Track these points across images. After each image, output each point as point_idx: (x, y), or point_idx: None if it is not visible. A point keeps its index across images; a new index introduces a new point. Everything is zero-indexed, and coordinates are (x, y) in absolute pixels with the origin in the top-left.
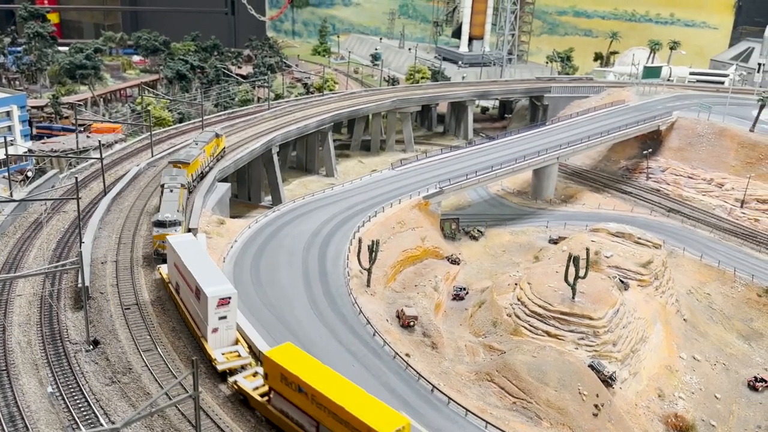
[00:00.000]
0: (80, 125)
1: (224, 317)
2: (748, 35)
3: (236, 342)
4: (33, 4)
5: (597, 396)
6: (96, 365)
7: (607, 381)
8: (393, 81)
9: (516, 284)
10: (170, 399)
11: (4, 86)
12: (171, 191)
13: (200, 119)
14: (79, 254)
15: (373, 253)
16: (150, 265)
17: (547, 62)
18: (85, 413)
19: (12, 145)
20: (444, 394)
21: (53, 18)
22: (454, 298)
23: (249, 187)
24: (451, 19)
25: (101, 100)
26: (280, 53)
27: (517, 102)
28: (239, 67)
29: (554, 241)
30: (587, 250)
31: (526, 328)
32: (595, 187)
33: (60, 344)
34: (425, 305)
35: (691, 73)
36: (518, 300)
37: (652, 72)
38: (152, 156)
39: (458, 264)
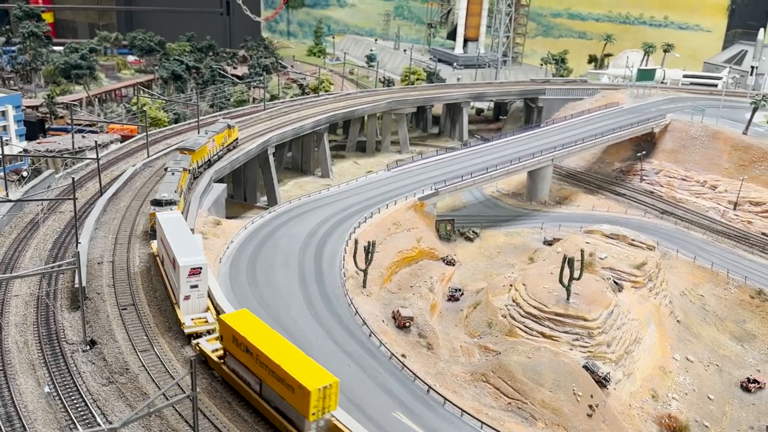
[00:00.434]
0: (97, 124)
1: (195, 286)
2: (741, 38)
3: (206, 310)
4: (28, 4)
5: (591, 397)
6: (93, 365)
7: (602, 382)
8: (388, 82)
9: (511, 285)
10: (167, 399)
11: None
12: (172, 174)
13: (196, 120)
14: (75, 254)
15: (369, 254)
16: (147, 265)
17: (541, 64)
18: (82, 413)
19: (7, 144)
20: (440, 394)
21: (48, 17)
22: (449, 299)
23: (245, 188)
24: (446, 21)
25: (96, 100)
26: (276, 54)
27: (511, 104)
28: (235, 68)
29: (549, 243)
30: (582, 251)
31: (521, 329)
32: (589, 188)
33: (57, 344)
34: (421, 306)
35: (685, 76)
36: (513, 301)
37: (645, 74)
38: (148, 156)
39: (453, 265)
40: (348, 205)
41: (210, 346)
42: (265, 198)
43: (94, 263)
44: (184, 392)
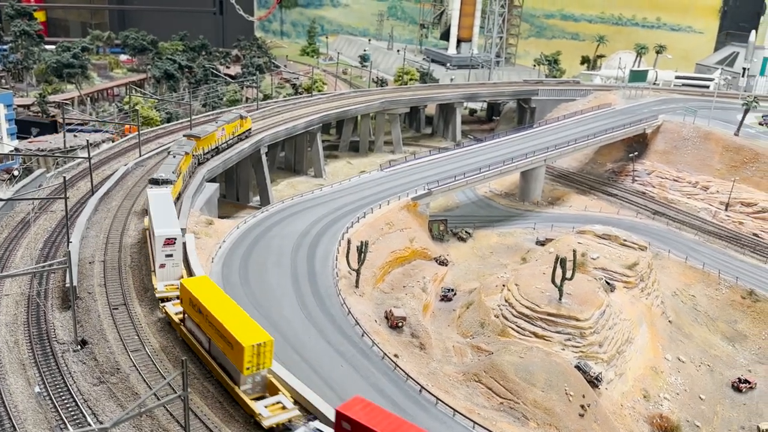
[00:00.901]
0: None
1: (170, 255)
2: (733, 40)
3: (180, 278)
4: (19, 2)
5: (583, 396)
6: (84, 365)
7: (593, 382)
8: (381, 82)
9: (503, 285)
10: (159, 399)
11: None
12: (174, 156)
13: (188, 119)
14: (66, 254)
15: (362, 254)
16: (138, 265)
17: (534, 65)
18: (73, 413)
19: None
20: (432, 394)
21: (40, 16)
22: (442, 299)
23: (237, 188)
24: (439, 22)
25: (88, 99)
26: (269, 53)
27: (504, 104)
28: (227, 67)
29: (541, 243)
30: (574, 251)
31: (513, 329)
32: (581, 189)
33: (47, 344)
34: (413, 306)
35: (677, 77)
36: (506, 301)
37: (638, 76)
38: (140, 155)
39: (446, 265)
40: (341, 205)
41: (174, 309)
42: (257, 198)
43: (85, 263)
44: (176, 392)
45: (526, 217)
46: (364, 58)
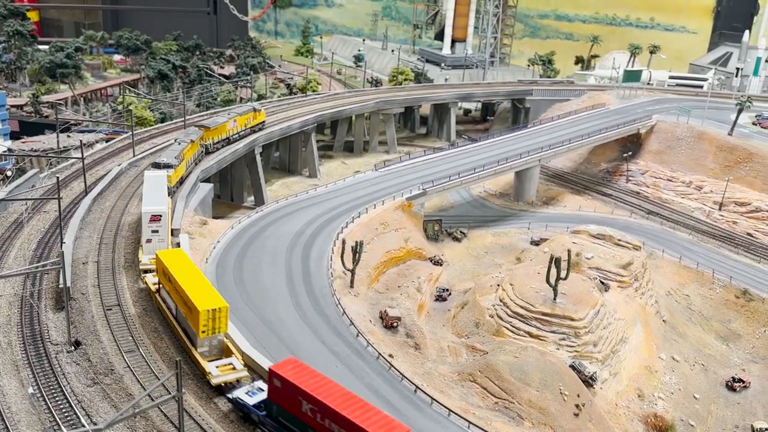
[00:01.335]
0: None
1: (156, 231)
2: (726, 40)
3: None
4: (12, 2)
5: (578, 396)
6: (78, 366)
7: (588, 381)
8: (376, 82)
9: (498, 285)
10: (153, 400)
11: None
12: (179, 144)
13: (182, 119)
14: (60, 254)
15: (357, 254)
16: (132, 265)
17: (528, 65)
18: (66, 414)
19: None
20: (427, 394)
21: (33, 16)
22: (436, 299)
23: (232, 188)
24: (433, 22)
25: (82, 99)
26: (263, 53)
27: (499, 104)
28: (221, 67)
29: (536, 243)
30: (568, 251)
31: (508, 328)
32: (576, 189)
33: (41, 345)
34: (408, 306)
35: (671, 77)
36: (500, 301)
37: (632, 76)
38: (134, 156)
39: (441, 265)
40: (335, 205)
41: (153, 279)
42: (252, 198)
43: (78, 263)
44: (170, 393)
45: (521, 217)
46: (358, 58)
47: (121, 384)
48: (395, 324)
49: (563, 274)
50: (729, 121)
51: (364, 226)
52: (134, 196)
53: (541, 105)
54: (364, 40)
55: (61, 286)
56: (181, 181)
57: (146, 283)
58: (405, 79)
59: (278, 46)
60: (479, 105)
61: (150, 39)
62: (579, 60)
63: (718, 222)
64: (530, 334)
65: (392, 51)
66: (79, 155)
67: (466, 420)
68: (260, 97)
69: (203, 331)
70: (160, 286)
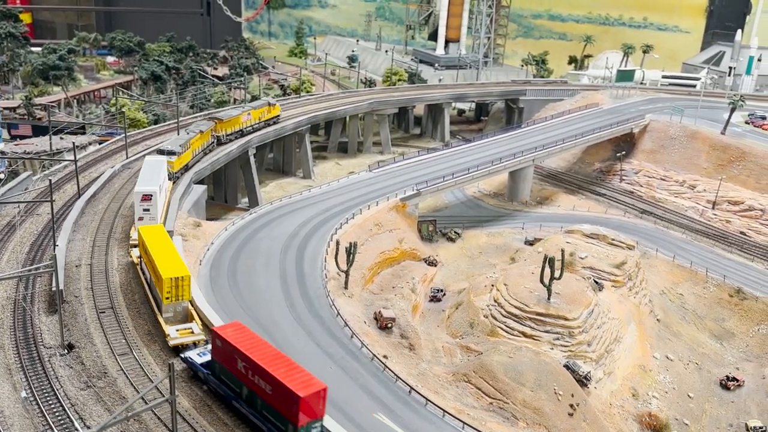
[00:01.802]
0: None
1: (147, 210)
2: (719, 39)
3: None
4: (5, 4)
5: (572, 396)
6: (71, 369)
7: (582, 381)
8: (370, 83)
9: (492, 285)
10: (146, 403)
11: None
12: (187, 133)
13: (176, 121)
14: (52, 257)
15: (351, 255)
16: (126, 268)
17: (522, 65)
18: (59, 418)
19: None
20: (421, 395)
21: (26, 18)
22: (431, 300)
23: (225, 189)
24: (427, 23)
25: (75, 101)
26: (257, 54)
27: (493, 104)
28: (215, 69)
29: (530, 243)
30: (562, 251)
31: (502, 329)
32: (569, 189)
33: (34, 348)
34: (403, 307)
35: (664, 77)
36: (495, 301)
37: (625, 75)
38: (127, 158)
39: (435, 265)
40: (329, 206)
41: (137, 253)
42: (246, 199)
43: (71, 266)
44: (163, 396)
45: (515, 217)
46: (352, 59)
47: (115, 387)
48: (390, 325)
49: (557, 273)
50: (722, 120)
51: (359, 227)
52: (128, 198)
53: (534, 105)
54: (357, 40)
55: (54, 289)
56: (186, 169)
57: (131, 256)
58: (399, 80)
59: (272, 47)
60: (473, 105)
61: (143, 40)
62: (572, 60)
63: (711, 221)
64: (524, 334)
65: (386, 51)
66: (72, 158)
67: (461, 421)
68: (254, 98)
69: (167, 298)
70: (140, 258)
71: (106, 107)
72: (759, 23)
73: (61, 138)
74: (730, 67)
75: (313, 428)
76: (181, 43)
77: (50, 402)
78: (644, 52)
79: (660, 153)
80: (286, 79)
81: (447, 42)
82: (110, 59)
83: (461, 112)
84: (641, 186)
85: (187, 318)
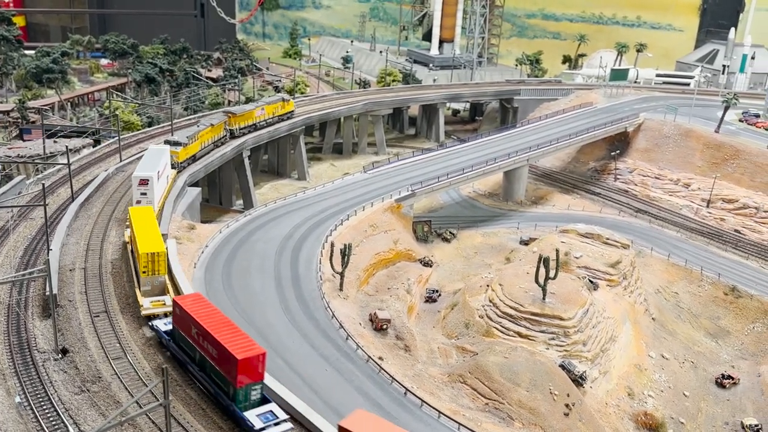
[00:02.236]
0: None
1: (144, 194)
2: (712, 37)
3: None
4: None
5: (568, 396)
6: (65, 374)
7: (578, 380)
8: (364, 84)
9: (488, 286)
10: (141, 407)
11: None
12: (198, 126)
13: (170, 123)
14: (46, 262)
15: (346, 257)
16: (120, 272)
17: (516, 65)
18: (54, 423)
19: None
20: (417, 396)
21: (19, 21)
22: (426, 301)
23: (220, 192)
24: (421, 24)
25: (68, 104)
26: (251, 56)
27: (487, 104)
28: (209, 70)
29: (525, 243)
30: (557, 251)
31: (497, 329)
32: (564, 188)
33: (28, 353)
34: (398, 308)
35: (658, 75)
36: (490, 301)
37: (619, 74)
38: (120, 161)
39: (431, 266)
40: (324, 207)
41: (128, 232)
42: (240, 201)
43: (65, 270)
44: (158, 400)
45: (510, 217)
46: (346, 60)
47: (109, 391)
48: (385, 326)
49: (552, 273)
50: (716, 118)
51: (353, 228)
52: (122, 201)
53: (529, 104)
54: (352, 41)
55: (47, 293)
56: (194, 159)
57: (126, 236)
58: (393, 81)
59: (266, 49)
60: (467, 105)
61: (137, 43)
62: (566, 59)
63: (706, 219)
64: (520, 334)
65: (380, 52)
66: (66, 161)
67: (456, 422)
68: (248, 100)
69: (144, 272)
70: (129, 238)
71: (100, 110)
72: (752, 21)
73: (55, 141)
74: (724, 65)
75: (252, 390)
76: (174, 45)
77: (44, 407)
78: (638, 50)
79: (654, 152)
80: (280, 81)
81: (441, 42)
82: (104, 62)
83: (456, 112)
84: (636, 185)
85: (163, 291)
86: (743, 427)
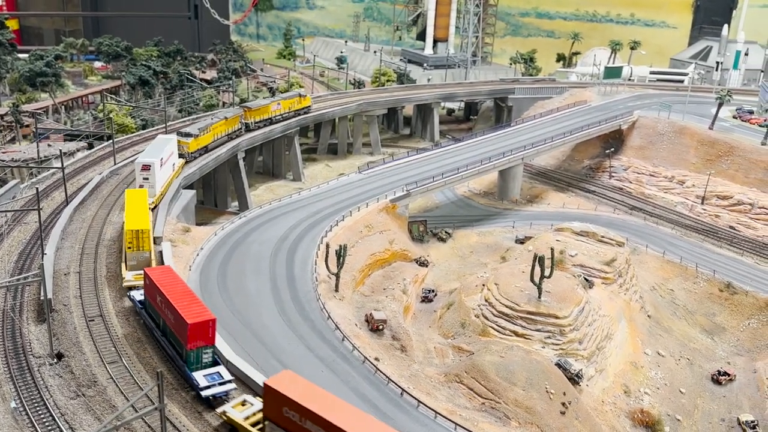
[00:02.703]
0: None
1: (147, 178)
2: (706, 34)
3: (154, 198)
4: None
5: (564, 394)
6: (60, 379)
7: (574, 379)
8: (359, 84)
9: (483, 285)
10: (136, 411)
11: None
12: (211, 119)
13: (164, 125)
14: (40, 266)
15: (341, 258)
16: (114, 275)
17: (510, 64)
18: (49, 428)
19: None
20: (413, 397)
21: (12, 25)
22: (422, 301)
23: (215, 193)
24: (415, 23)
25: (63, 107)
26: (245, 57)
27: (482, 103)
28: (203, 72)
29: (521, 241)
30: (551, 249)
31: (493, 328)
32: (559, 186)
33: (23, 358)
34: (394, 308)
35: (652, 73)
36: (486, 301)
37: (613, 72)
38: (115, 164)
39: (426, 266)
40: (320, 208)
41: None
42: (236, 203)
43: (60, 274)
44: (153, 403)
45: (505, 216)
46: (341, 60)
47: (105, 396)
48: (381, 327)
49: (547, 272)
50: (710, 115)
51: (349, 229)
52: (116, 204)
53: (523, 103)
54: (346, 41)
55: (42, 298)
56: (206, 150)
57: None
58: (388, 80)
59: (260, 50)
60: (462, 104)
61: (130, 45)
62: (560, 57)
63: (700, 216)
64: (516, 333)
65: (374, 52)
66: (60, 165)
67: (453, 422)
68: (242, 101)
69: (129, 247)
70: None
71: (94, 113)
72: (745, 18)
73: (49, 145)
74: (718, 62)
75: (204, 353)
76: (168, 47)
77: (40, 412)
78: (632, 48)
79: (648, 149)
80: (274, 82)
81: (435, 42)
82: (98, 64)
83: (450, 111)
84: (630, 182)
85: (148, 266)
86: (739, 424)
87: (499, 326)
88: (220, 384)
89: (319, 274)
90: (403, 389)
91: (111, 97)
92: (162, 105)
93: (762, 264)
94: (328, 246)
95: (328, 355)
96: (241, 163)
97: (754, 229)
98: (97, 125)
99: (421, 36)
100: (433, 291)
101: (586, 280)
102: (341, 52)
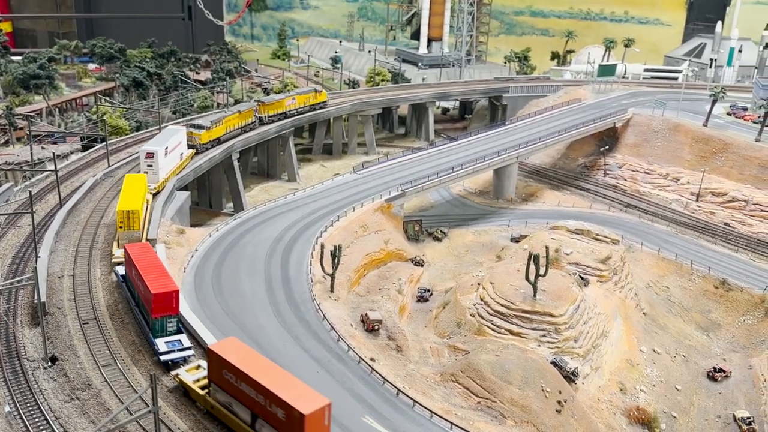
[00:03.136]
0: None
1: (150, 165)
2: (700, 31)
3: (157, 183)
4: None
5: (560, 392)
6: (54, 382)
7: (570, 377)
8: (353, 84)
9: (479, 284)
10: (131, 414)
11: None
12: (224, 113)
13: (158, 127)
14: (34, 269)
15: (336, 258)
16: (108, 277)
17: (505, 62)
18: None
19: None
20: (409, 397)
21: (6, 27)
22: (418, 300)
23: (210, 195)
24: (410, 23)
25: (56, 109)
26: (239, 58)
27: (476, 102)
28: (197, 73)
29: (516, 240)
30: (546, 248)
31: (489, 327)
32: (554, 185)
33: (17, 362)
34: (390, 308)
35: (646, 70)
36: (481, 300)
37: (607, 70)
38: (108, 166)
39: (422, 265)
40: (315, 209)
41: None
42: (231, 204)
43: (54, 277)
44: (147, 406)
45: (501, 215)
46: (335, 60)
47: (99, 399)
48: (376, 327)
49: (542, 270)
50: (704, 112)
51: (344, 229)
52: (110, 207)
53: (518, 102)
54: (340, 41)
55: (36, 301)
56: (219, 142)
57: None
58: (382, 80)
59: (255, 50)
60: (457, 104)
61: (124, 47)
62: (555, 56)
63: (695, 213)
64: (511, 332)
65: (369, 52)
66: (53, 167)
67: (449, 421)
68: (237, 102)
69: (120, 226)
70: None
71: (88, 115)
72: (739, 14)
73: (43, 147)
74: (712, 59)
75: (168, 323)
76: (162, 48)
77: (34, 416)
78: (626, 46)
79: (643, 146)
80: (269, 82)
81: (430, 41)
82: (92, 66)
83: (445, 110)
84: (625, 180)
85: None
86: (735, 420)
87: (494, 325)
88: (180, 350)
89: (315, 275)
90: (398, 389)
91: (105, 99)
92: (156, 107)
93: (757, 260)
94: (323, 246)
95: (324, 356)
96: (236, 163)
97: (748, 225)
98: (91, 127)
99: (416, 35)
100: (428, 290)
101: (582, 278)
102: (336, 52)
